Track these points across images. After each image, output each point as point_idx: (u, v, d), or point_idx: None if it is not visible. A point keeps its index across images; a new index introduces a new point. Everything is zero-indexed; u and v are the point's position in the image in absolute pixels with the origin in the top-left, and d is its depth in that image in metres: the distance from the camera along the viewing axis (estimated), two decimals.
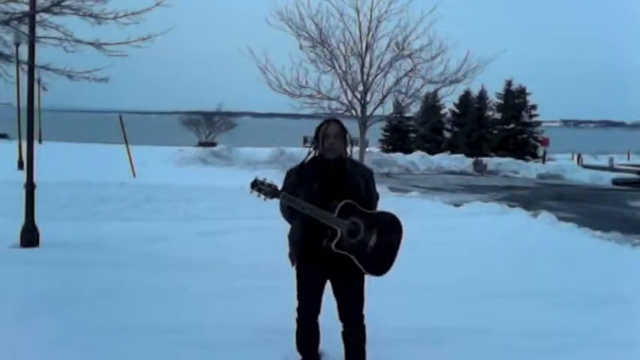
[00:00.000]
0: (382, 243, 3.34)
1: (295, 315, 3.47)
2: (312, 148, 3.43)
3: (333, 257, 3.26)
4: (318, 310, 3.45)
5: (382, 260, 3.38)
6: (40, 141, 28.38)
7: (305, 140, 43.27)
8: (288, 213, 3.39)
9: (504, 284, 6.00)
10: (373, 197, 3.50)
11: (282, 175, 3.60)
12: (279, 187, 3.32)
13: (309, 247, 3.32)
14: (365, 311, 3.48)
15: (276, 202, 3.35)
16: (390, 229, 3.41)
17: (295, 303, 3.47)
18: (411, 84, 14.32)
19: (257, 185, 3.26)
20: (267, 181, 3.28)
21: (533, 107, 40.72)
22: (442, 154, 29.49)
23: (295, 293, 3.46)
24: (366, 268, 3.32)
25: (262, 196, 3.23)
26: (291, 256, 3.45)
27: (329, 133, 3.32)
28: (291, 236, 3.45)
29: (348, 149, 3.43)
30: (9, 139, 33.22)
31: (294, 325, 3.50)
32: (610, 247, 8.81)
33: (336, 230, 3.21)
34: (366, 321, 3.48)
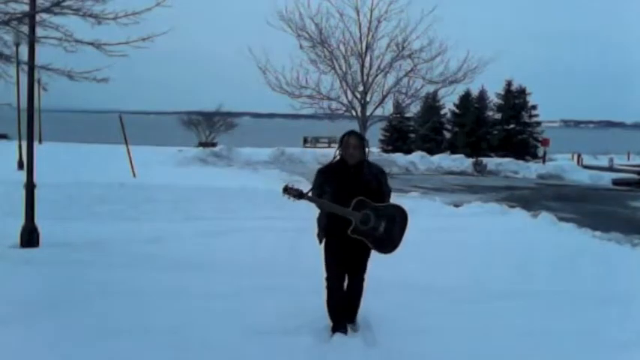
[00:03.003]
0: (390, 229, 4.26)
1: (325, 284, 4.36)
2: (337, 153, 4.34)
3: (350, 239, 4.19)
4: (342, 279, 4.38)
5: (391, 241, 4.31)
6: (40, 141, 28.39)
7: (305, 140, 43.39)
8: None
9: (504, 284, 6.00)
10: (385, 191, 4.39)
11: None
12: (304, 190, 4.24)
13: (332, 231, 4.27)
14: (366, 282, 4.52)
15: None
16: (396, 218, 4.33)
17: (324, 274, 4.35)
18: (411, 84, 14.36)
19: (287, 190, 4.19)
20: (295, 186, 4.22)
21: (533, 107, 40.76)
22: (442, 155, 29.48)
23: (324, 267, 4.35)
24: (377, 248, 4.30)
25: (291, 198, 4.16)
26: (319, 235, 4.38)
27: (350, 143, 4.25)
28: (319, 222, 4.38)
29: (367, 151, 4.33)
30: (9, 139, 33.25)
31: (324, 294, 4.36)
32: (610, 247, 8.82)
33: (351, 220, 4.14)
34: (365, 283, 4.49)
